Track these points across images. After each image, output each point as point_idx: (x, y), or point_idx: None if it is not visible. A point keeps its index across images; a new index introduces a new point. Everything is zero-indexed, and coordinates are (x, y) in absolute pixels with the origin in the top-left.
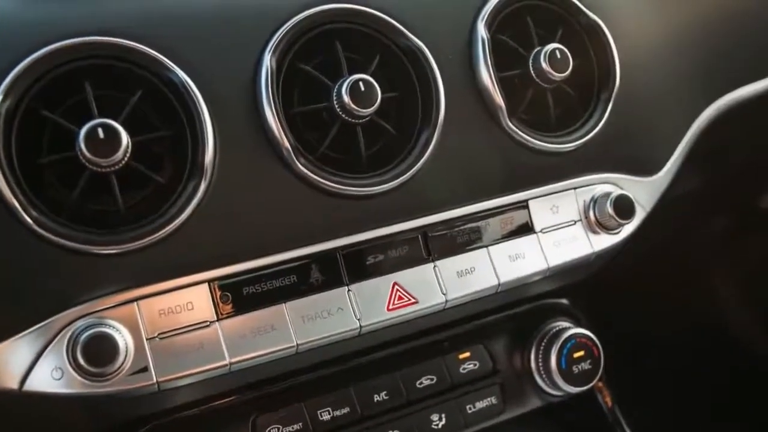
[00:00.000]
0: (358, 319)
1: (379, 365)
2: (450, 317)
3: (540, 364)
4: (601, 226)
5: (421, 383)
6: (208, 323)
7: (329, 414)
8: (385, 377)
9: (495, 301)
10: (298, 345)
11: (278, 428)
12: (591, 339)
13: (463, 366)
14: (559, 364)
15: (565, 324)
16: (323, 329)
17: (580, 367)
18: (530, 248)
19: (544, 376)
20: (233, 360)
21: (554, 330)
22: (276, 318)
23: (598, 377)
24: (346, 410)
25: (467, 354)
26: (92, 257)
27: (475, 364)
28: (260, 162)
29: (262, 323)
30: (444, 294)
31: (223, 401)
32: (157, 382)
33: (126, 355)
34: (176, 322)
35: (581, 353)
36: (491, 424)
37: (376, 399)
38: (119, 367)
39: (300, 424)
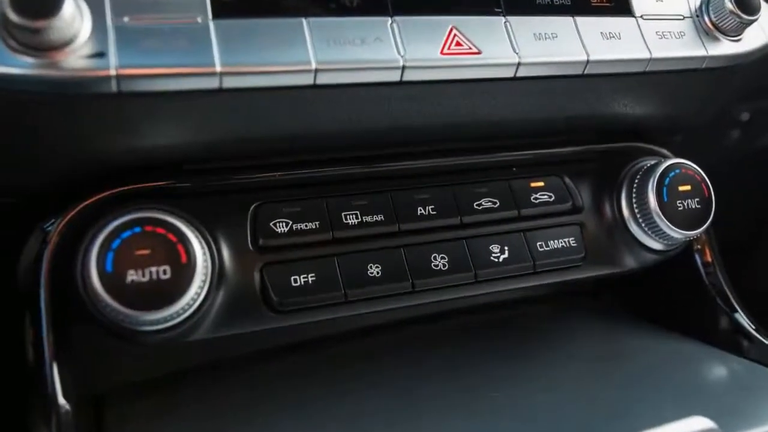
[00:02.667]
0: (401, 56)
1: (429, 177)
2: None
3: (634, 203)
4: (719, 30)
5: (480, 205)
6: (198, 19)
7: (356, 218)
8: (435, 189)
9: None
10: (316, 70)
11: (286, 223)
12: (699, 173)
13: (534, 196)
14: (660, 197)
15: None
16: (352, 55)
17: (686, 203)
18: (628, 31)
19: (639, 217)
20: (225, 69)
21: (648, 164)
22: (292, 34)
23: (708, 223)
24: (379, 218)
25: (540, 183)
26: None
27: (549, 197)
28: None
29: (271, 33)
30: (516, 53)
31: (219, 177)
32: (117, 74)
33: (77, 23)
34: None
35: (687, 187)
36: (566, 279)
37: (420, 212)
38: (69, 40)
39: (317, 223)
